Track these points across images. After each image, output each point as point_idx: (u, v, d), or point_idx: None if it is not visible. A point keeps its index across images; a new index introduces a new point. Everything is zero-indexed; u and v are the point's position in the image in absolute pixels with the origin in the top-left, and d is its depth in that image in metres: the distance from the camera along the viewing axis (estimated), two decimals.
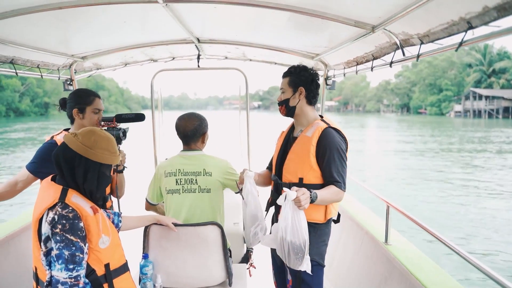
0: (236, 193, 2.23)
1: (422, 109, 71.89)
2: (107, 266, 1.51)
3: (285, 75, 2.07)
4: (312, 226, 1.90)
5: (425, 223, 2.17)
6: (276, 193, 2.07)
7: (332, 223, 2.09)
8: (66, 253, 1.37)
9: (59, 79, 3.16)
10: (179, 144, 2.23)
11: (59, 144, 1.95)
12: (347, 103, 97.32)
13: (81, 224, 1.42)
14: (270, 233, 2.14)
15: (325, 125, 1.95)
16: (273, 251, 2.14)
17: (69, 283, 1.36)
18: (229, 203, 2.51)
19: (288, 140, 2.11)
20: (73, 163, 1.47)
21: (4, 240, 2.46)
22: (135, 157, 2.66)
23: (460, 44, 1.34)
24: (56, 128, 2.26)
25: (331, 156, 1.88)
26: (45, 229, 1.41)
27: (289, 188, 1.69)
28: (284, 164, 2.02)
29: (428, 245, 6.10)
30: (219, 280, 2.07)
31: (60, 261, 1.37)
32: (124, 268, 1.59)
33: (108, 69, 3.59)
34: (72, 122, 2.15)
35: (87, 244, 1.44)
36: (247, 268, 2.62)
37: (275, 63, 3.61)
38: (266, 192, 2.26)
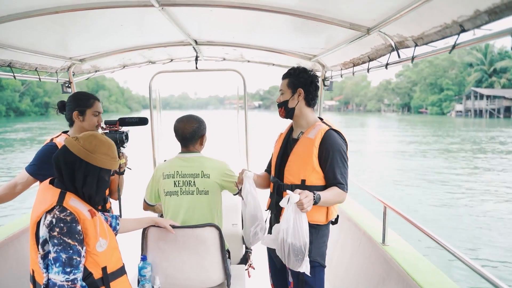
0: (234, 194, 2.24)
1: (423, 108, 71.83)
2: (104, 269, 1.51)
3: (284, 76, 2.08)
4: (313, 227, 1.91)
5: (422, 224, 2.18)
6: (277, 195, 2.07)
7: (330, 224, 2.10)
8: (64, 256, 1.38)
9: (57, 81, 3.16)
10: (178, 145, 2.24)
11: (59, 146, 1.97)
12: (348, 103, 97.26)
13: (79, 228, 1.43)
14: (270, 233, 2.15)
15: (327, 127, 1.96)
16: (272, 253, 2.14)
17: (66, 286, 1.37)
18: (228, 205, 2.52)
19: (288, 142, 2.11)
20: (73, 166, 1.48)
21: (3, 242, 2.47)
22: (134, 158, 2.67)
23: (453, 46, 1.35)
24: (57, 128, 2.26)
25: (334, 158, 1.89)
26: (43, 232, 1.41)
27: (292, 190, 1.70)
28: (285, 166, 2.02)
29: (427, 246, 6.08)
30: (218, 282, 2.07)
31: (57, 264, 1.37)
32: (121, 271, 1.60)
33: (106, 71, 3.60)
34: (71, 124, 2.17)
35: (84, 248, 1.45)
36: (246, 269, 2.63)
37: (273, 64, 3.62)
38: (265, 194, 2.27)
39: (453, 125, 42.82)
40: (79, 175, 1.49)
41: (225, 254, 2.07)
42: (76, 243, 1.40)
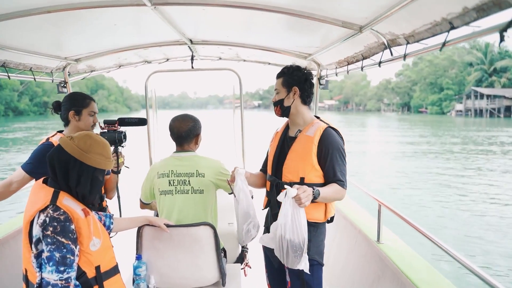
0: (229, 193, 2.24)
1: (422, 108, 71.83)
2: (97, 268, 1.51)
3: (278, 75, 2.08)
4: (312, 226, 1.91)
5: (417, 222, 2.18)
6: (276, 193, 2.07)
7: (327, 222, 2.10)
8: (57, 255, 1.38)
9: (52, 81, 3.16)
10: (174, 145, 2.25)
11: (55, 145, 1.97)
12: (347, 102, 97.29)
13: (72, 227, 1.43)
14: (265, 232, 2.15)
15: (325, 125, 1.96)
16: (269, 252, 2.13)
17: (60, 285, 1.37)
18: (224, 204, 2.53)
19: (284, 140, 2.11)
20: (67, 165, 1.48)
21: None
22: (131, 157, 2.68)
23: (444, 44, 1.35)
24: (57, 128, 2.29)
25: (333, 156, 1.90)
26: (36, 231, 1.41)
27: (291, 187, 1.70)
28: (283, 164, 2.02)
29: (423, 245, 6.04)
30: (213, 280, 2.08)
31: (50, 263, 1.38)
32: (114, 270, 1.60)
33: (102, 71, 3.60)
34: (66, 124, 2.18)
35: (78, 247, 1.45)
36: (242, 268, 2.63)
37: (269, 63, 3.62)
38: (262, 194, 2.27)
39: (453, 124, 42.78)
40: (73, 174, 1.49)
41: (220, 252, 2.07)
42: (69, 242, 1.40)
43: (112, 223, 1.80)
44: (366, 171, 14.95)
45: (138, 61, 3.53)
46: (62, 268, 1.38)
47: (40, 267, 1.41)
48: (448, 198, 10.97)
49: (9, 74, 2.59)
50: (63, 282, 1.38)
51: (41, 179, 1.59)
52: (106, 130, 2.26)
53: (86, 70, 3.46)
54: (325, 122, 2.00)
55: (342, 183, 1.91)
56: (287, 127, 2.16)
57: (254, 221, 2.01)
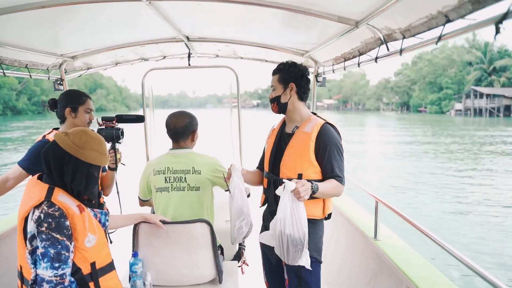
0: (225, 190, 2.23)
1: (422, 107, 71.91)
2: (93, 264, 1.51)
3: (274, 72, 2.07)
4: (310, 222, 1.89)
5: (414, 219, 2.18)
6: (274, 190, 2.06)
7: (324, 219, 2.09)
8: (52, 251, 1.37)
9: (48, 79, 3.15)
10: (171, 142, 2.24)
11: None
12: (346, 101, 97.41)
13: (67, 223, 1.42)
14: (263, 230, 2.14)
15: (323, 121, 1.96)
16: (266, 250, 2.12)
17: (55, 282, 1.37)
18: (221, 201, 2.52)
19: (281, 136, 2.11)
20: (62, 161, 1.48)
21: None
22: (128, 154, 2.68)
23: (440, 37, 1.34)
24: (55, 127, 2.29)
25: (331, 151, 1.90)
26: (31, 227, 1.41)
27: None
28: (281, 161, 2.01)
29: (420, 240, 6.02)
30: (209, 278, 2.07)
31: (45, 260, 1.37)
32: (110, 267, 1.59)
33: (98, 69, 3.59)
34: (62, 121, 2.19)
35: (73, 243, 1.44)
36: (239, 266, 2.62)
37: (266, 61, 3.62)
38: (258, 192, 2.26)
39: (453, 124, 42.79)
40: (68, 170, 1.48)
41: (216, 250, 2.06)
42: (64, 238, 1.40)
43: (107, 220, 1.80)
44: (365, 170, 14.94)
45: (135, 58, 3.51)
46: (57, 264, 1.37)
47: (34, 263, 1.41)
48: (448, 198, 10.96)
49: (4, 71, 2.57)
50: (58, 278, 1.37)
51: (36, 175, 1.58)
52: (104, 127, 2.27)
53: (82, 68, 3.45)
54: (322, 118, 2.00)
55: (340, 179, 1.90)
56: (283, 124, 2.15)
57: (247, 219, 1.99)
